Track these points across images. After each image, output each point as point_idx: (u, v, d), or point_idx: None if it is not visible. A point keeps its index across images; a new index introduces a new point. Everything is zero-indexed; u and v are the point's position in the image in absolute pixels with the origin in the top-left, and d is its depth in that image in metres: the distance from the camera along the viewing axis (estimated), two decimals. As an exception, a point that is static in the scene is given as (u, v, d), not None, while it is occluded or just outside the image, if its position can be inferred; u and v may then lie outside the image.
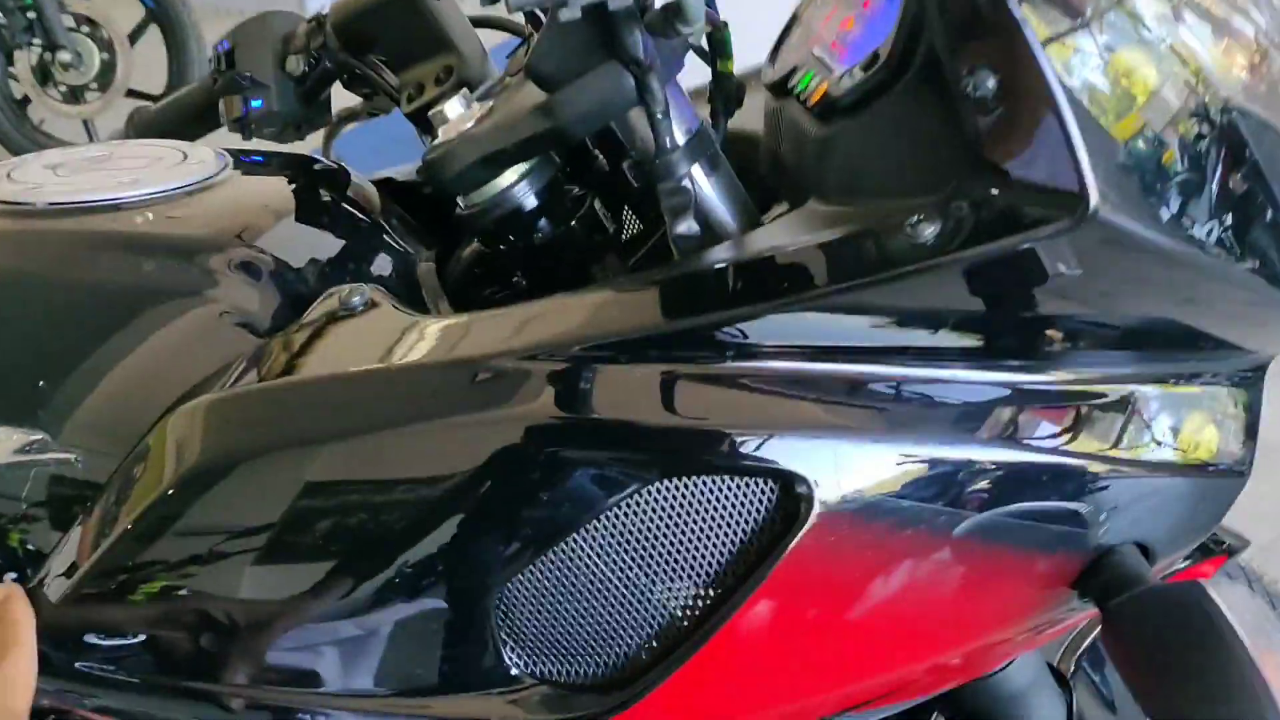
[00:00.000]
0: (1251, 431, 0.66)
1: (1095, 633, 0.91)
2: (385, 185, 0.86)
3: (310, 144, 0.95)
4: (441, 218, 0.84)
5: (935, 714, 0.86)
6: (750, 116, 0.76)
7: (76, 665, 0.57)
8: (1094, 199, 0.49)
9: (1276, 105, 0.61)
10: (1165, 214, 0.54)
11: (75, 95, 3.62)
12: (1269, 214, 0.60)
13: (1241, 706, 0.50)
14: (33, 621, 0.54)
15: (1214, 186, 0.58)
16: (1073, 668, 0.87)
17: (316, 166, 0.81)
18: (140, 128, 0.96)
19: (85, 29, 3.55)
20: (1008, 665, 0.77)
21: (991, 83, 0.50)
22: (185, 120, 0.95)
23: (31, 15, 3.47)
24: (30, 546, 0.59)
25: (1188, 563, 0.97)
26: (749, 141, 0.76)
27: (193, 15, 3.59)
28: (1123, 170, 0.52)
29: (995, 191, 0.51)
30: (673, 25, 0.56)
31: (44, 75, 3.61)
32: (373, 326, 0.59)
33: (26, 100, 3.71)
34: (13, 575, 0.59)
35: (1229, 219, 0.58)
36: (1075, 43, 0.53)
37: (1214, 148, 0.58)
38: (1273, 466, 2.11)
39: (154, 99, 3.85)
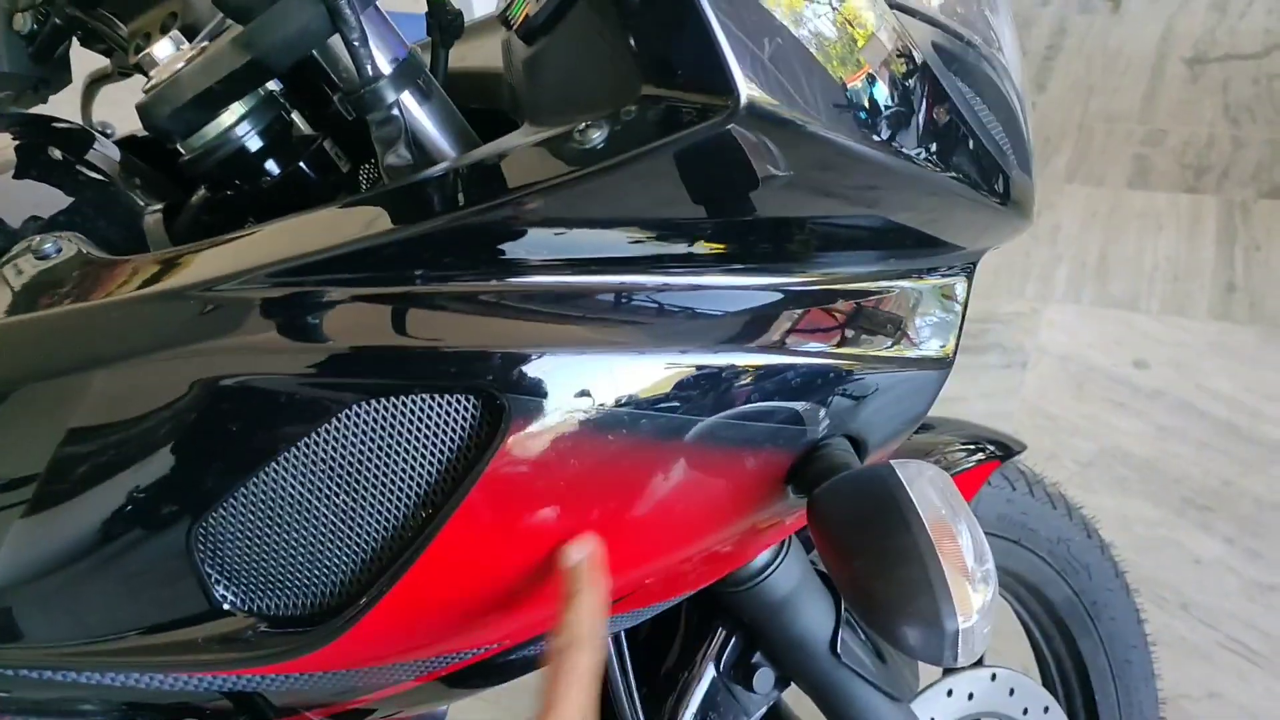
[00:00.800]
0: (957, 325, 0.69)
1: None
2: (128, 143, 0.83)
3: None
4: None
5: (719, 628, 0.88)
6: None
7: None
8: (744, 92, 0.51)
9: (952, 10, 0.64)
10: (877, 136, 0.57)
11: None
12: (969, 142, 0.64)
13: (908, 571, 0.53)
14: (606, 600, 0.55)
15: (920, 117, 0.61)
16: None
17: (53, 125, 0.79)
18: (-127, 98, 0.92)
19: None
20: (773, 571, 0.80)
21: None
22: (-81, 87, 0.91)
23: None
24: None
25: (964, 468, 1.02)
26: (494, 79, 0.76)
27: None
28: (835, 103, 0.55)
29: (662, 94, 0.53)
30: None
31: None
32: (67, 270, 0.58)
33: None
34: None
35: (934, 145, 0.61)
36: None
37: (918, 84, 0.61)
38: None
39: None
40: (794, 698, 0.96)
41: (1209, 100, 3.12)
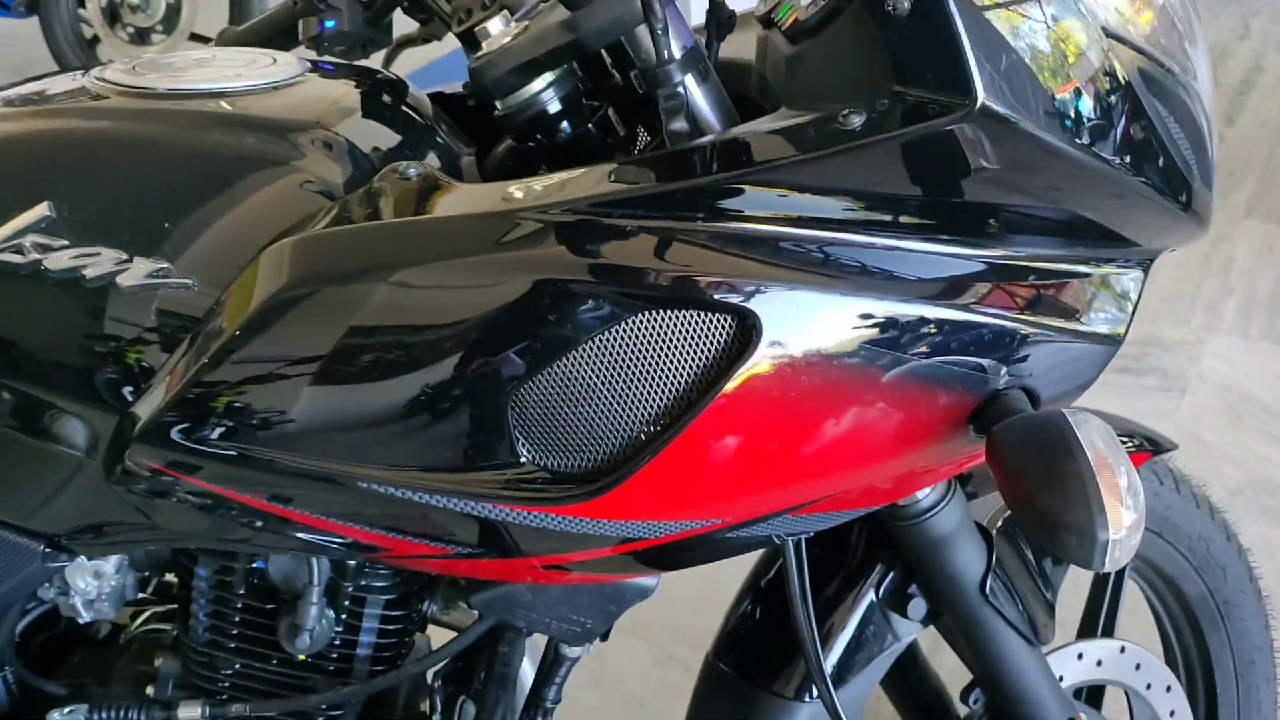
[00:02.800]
0: (1131, 310, 0.81)
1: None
2: (435, 97, 1.02)
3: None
4: (480, 125, 1.00)
5: (879, 563, 1.02)
6: (749, 50, 0.91)
7: (181, 441, 0.74)
8: (980, 95, 0.64)
9: (1157, 41, 0.76)
10: (1079, 140, 0.70)
11: (142, 37, 3.83)
12: (1160, 159, 0.76)
13: (1070, 488, 0.65)
14: None
15: (1118, 131, 0.73)
16: (1000, 525, 1.02)
17: (379, 76, 0.97)
18: (229, 41, 1.13)
19: (153, -27, 3.73)
20: (937, 511, 0.93)
21: (907, 4, 0.65)
22: (268, 37, 1.11)
23: (103, -42, 3.66)
24: (154, 355, 0.76)
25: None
26: (745, 69, 0.91)
27: (254, -38, 3.75)
28: (1012, 74, 0.67)
29: (911, 91, 0.67)
30: None
31: (113, 17, 3.82)
32: (423, 189, 0.75)
33: (96, 40, 3.92)
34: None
35: (1129, 156, 0.73)
36: (1024, 11, 0.69)
37: (1120, 102, 0.73)
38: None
39: (216, 40, 3.92)
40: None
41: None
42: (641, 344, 0.70)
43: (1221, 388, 2.31)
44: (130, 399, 0.76)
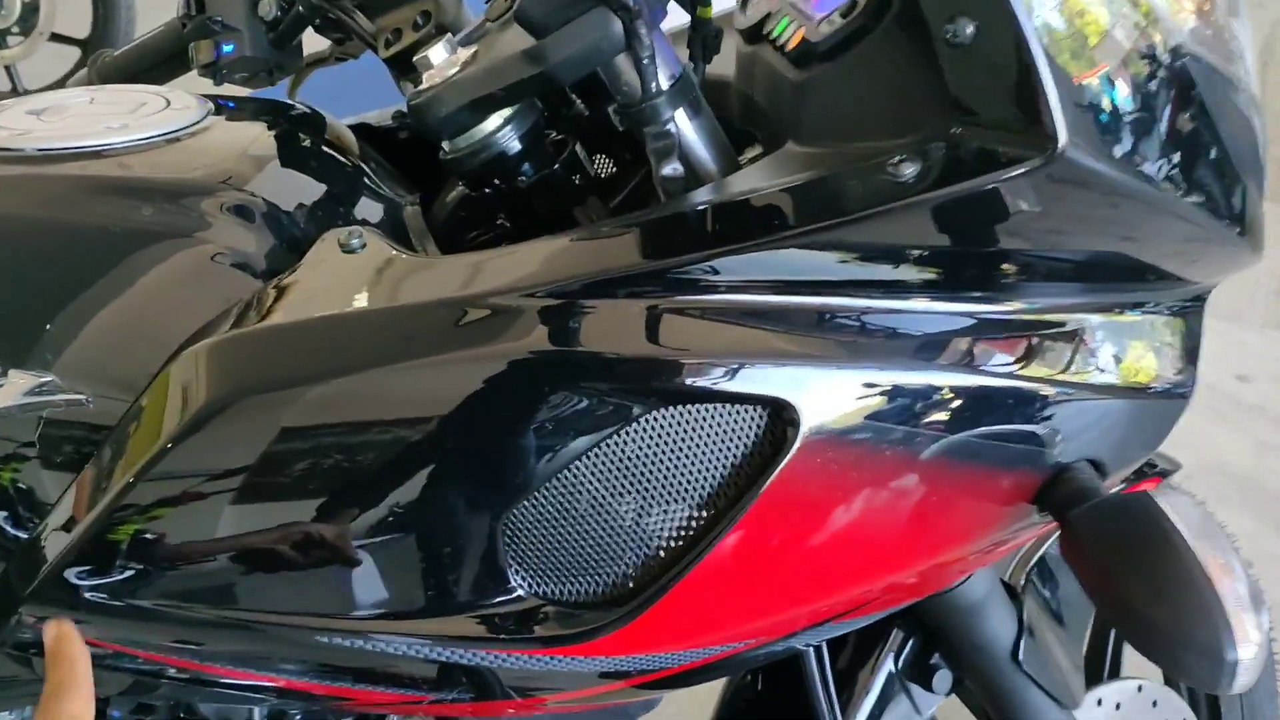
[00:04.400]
0: (1192, 356, 0.71)
1: (1044, 548, 0.97)
2: (360, 130, 0.87)
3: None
4: (417, 161, 0.85)
5: (894, 630, 0.91)
6: (717, 62, 0.78)
7: (88, 596, 0.59)
8: (1063, 139, 0.53)
9: (1221, 49, 0.65)
10: (1119, 151, 0.59)
11: (-4, 39, 3.51)
12: (1213, 152, 0.65)
13: (1186, 600, 0.55)
14: (89, 658, 0.56)
15: (1164, 126, 0.62)
16: (1023, 581, 0.93)
17: (294, 111, 0.82)
18: (105, 73, 0.96)
19: (5, -29, 3.43)
20: (965, 580, 0.83)
21: (970, 29, 0.53)
22: (152, 65, 0.95)
23: (-52, -43, 3.35)
24: (42, 487, 0.60)
25: (1123, 485, 1.04)
26: (717, 86, 0.78)
27: (117, -45, 3.48)
28: (1083, 110, 0.56)
29: (972, 132, 0.55)
30: None
31: (-38, 18, 3.49)
32: (373, 267, 0.61)
33: (-56, 45, 3.59)
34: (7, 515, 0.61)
35: (1177, 156, 0.62)
36: (1099, 33, 0.57)
37: (1164, 88, 0.62)
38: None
39: (79, 43, 3.70)
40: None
41: (1314, 110, 3.07)
42: (658, 448, 0.58)
43: (1163, 367, 2.28)
44: (14, 544, 0.61)
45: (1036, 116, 0.53)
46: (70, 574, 0.59)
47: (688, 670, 0.68)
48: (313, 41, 0.94)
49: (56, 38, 3.48)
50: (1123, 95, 0.59)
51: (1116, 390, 0.67)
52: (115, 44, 3.51)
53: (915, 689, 0.91)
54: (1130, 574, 0.58)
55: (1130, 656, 1.13)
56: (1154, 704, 1.10)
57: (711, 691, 1.01)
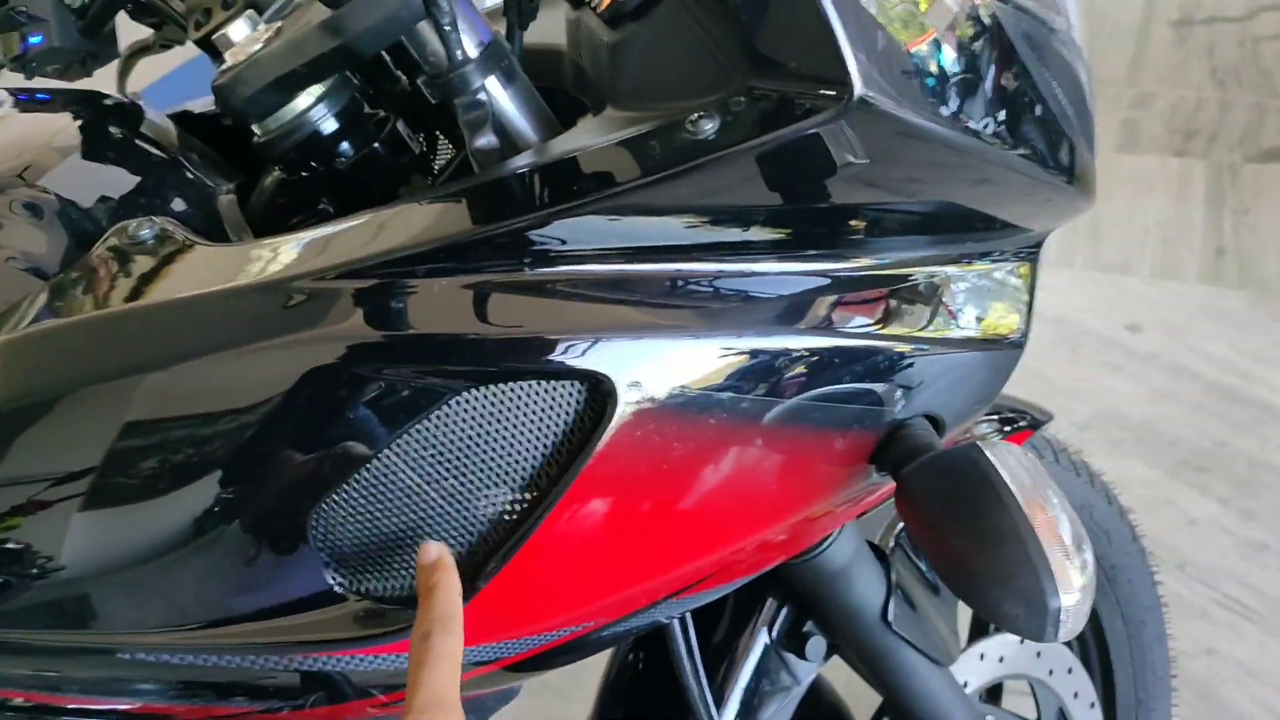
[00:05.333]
0: (1028, 305, 0.71)
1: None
2: (183, 118, 0.83)
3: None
4: (244, 148, 0.82)
5: (769, 598, 0.90)
6: (556, 33, 0.76)
7: None
8: (858, 86, 0.52)
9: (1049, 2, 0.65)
10: (944, 109, 0.58)
11: None
12: (1037, 105, 0.65)
13: (1008, 550, 0.55)
14: (460, 592, 0.53)
15: (986, 79, 0.61)
16: (892, 544, 0.92)
17: (106, 102, 0.78)
18: (-89, 71, 0.90)
19: None
20: (830, 544, 0.82)
21: None
22: (-40, 61, 0.89)
23: None
24: None
25: (997, 438, 1.04)
26: (554, 57, 0.76)
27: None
28: (901, 69, 0.55)
29: (770, 85, 0.53)
30: None
31: None
32: (166, 257, 0.58)
33: None
34: None
35: (1000, 111, 0.62)
36: None
37: (983, 42, 0.61)
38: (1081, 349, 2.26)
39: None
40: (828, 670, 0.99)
41: (1195, 63, 3.14)
42: (472, 429, 0.55)
43: (1056, 322, 2.31)
44: None
45: (830, 65, 0.52)
46: None
47: (545, 652, 0.66)
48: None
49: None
50: (946, 56, 0.59)
51: (958, 343, 0.67)
52: None
53: (790, 658, 0.90)
54: (956, 527, 0.57)
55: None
56: (1037, 655, 1.11)
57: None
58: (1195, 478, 1.99)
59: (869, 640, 0.87)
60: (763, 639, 0.90)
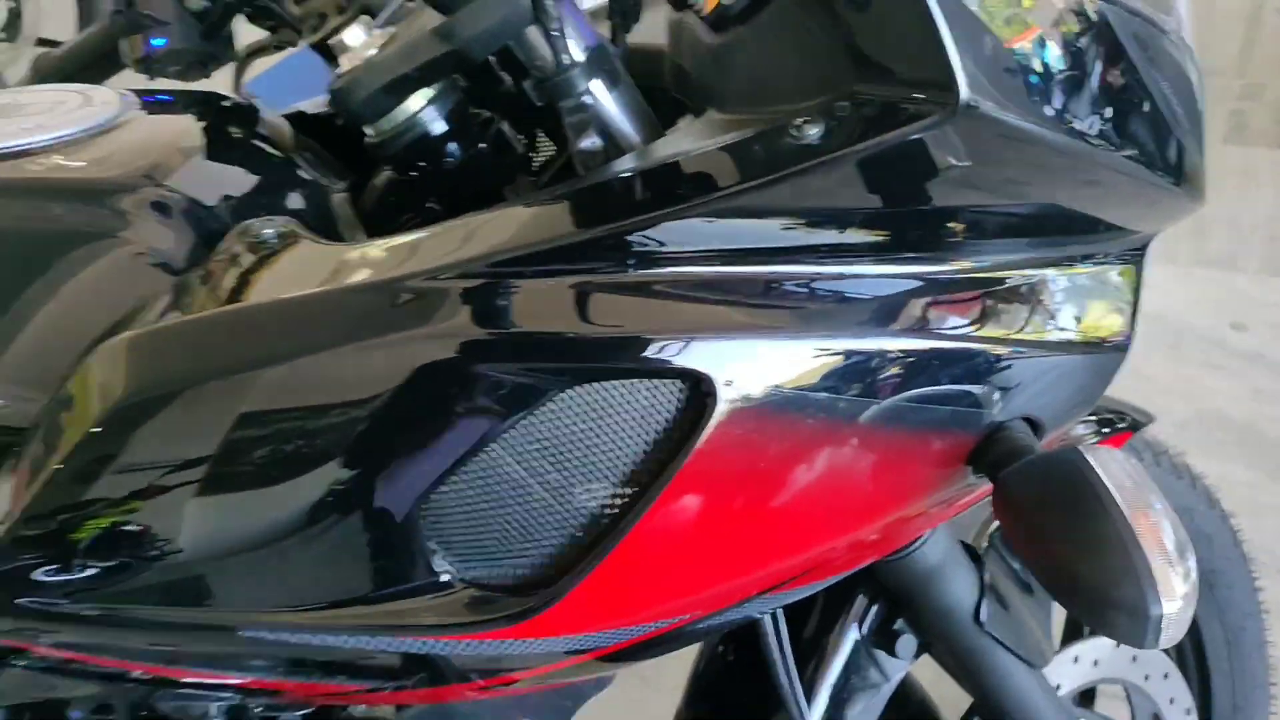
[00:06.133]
0: (1133, 308, 0.70)
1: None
2: (297, 119, 0.86)
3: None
4: (356, 148, 0.84)
5: (860, 595, 0.91)
6: (656, 32, 0.77)
7: (20, 602, 0.59)
8: (964, 91, 0.52)
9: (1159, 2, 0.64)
10: (1048, 109, 0.58)
11: (-19, 45, 3.51)
12: (1145, 105, 0.64)
13: (1110, 557, 0.55)
14: None
15: (1092, 81, 0.61)
16: (985, 544, 0.92)
17: (225, 104, 0.81)
18: (44, 73, 0.95)
19: (-12, -23, 3.43)
20: (922, 544, 0.82)
21: None
22: (89, 63, 0.94)
23: (-71, -36, 3.35)
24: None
25: (1095, 440, 1.03)
26: (654, 56, 0.77)
27: (97, -44, 3.47)
28: (1005, 68, 0.55)
29: (875, 90, 0.54)
30: None
31: (-53, 25, 3.49)
32: (288, 256, 0.61)
33: (-70, 52, 3.59)
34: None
35: (1108, 111, 0.61)
36: None
37: (1091, 43, 0.61)
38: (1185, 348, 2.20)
39: (63, 45, 3.65)
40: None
41: (1309, 52, 3.03)
42: (576, 425, 0.57)
43: (1158, 319, 2.26)
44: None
45: (936, 69, 0.52)
46: (10, 578, 0.59)
47: (639, 643, 0.67)
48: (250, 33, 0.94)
49: (44, 42, 3.48)
50: (1034, 49, 0.58)
51: (1058, 346, 0.66)
52: (100, 45, 3.51)
53: (880, 655, 0.90)
54: (1056, 532, 0.57)
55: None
56: (1133, 659, 1.09)
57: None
58: (1300, 481, 1.93)
59: (961, 640, 0.86)
60: (853, 635, 0.90)
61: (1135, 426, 1.05)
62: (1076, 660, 1.04)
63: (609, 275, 0.56)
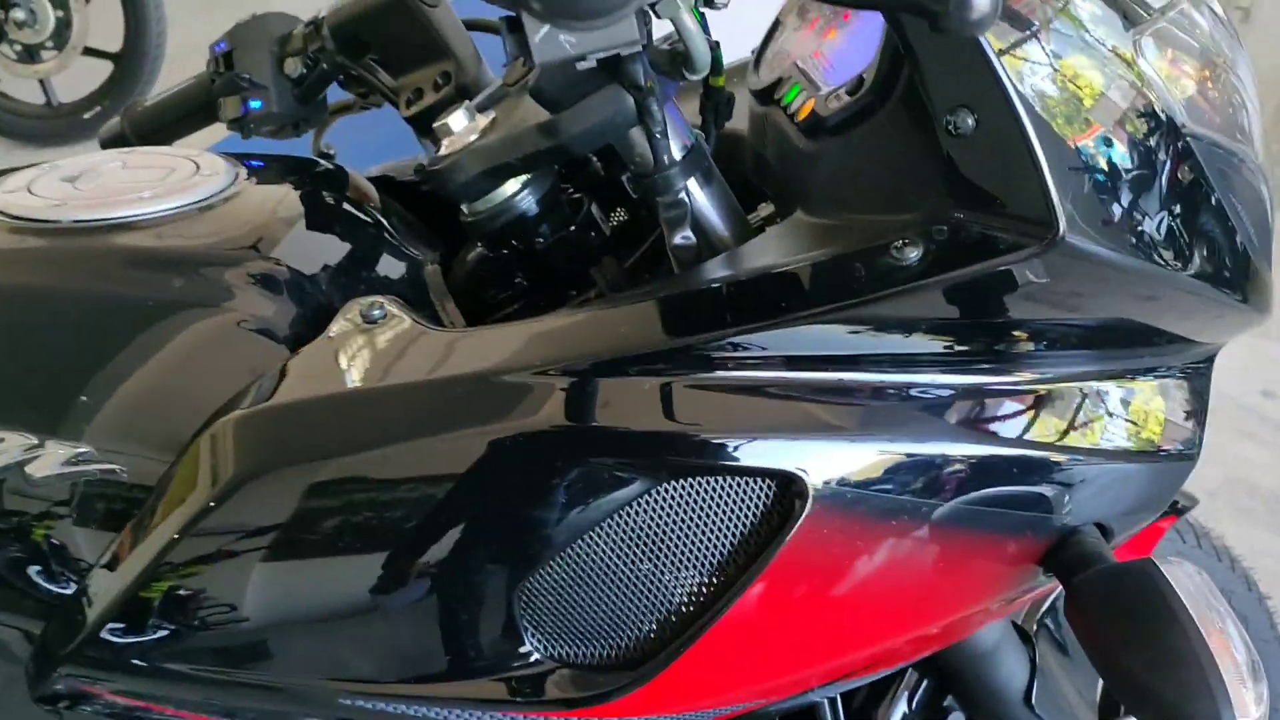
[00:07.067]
0: (1200, 417, 0.72)
1: (1056, 592, 0.97)
2: (383, 183, 0.89)
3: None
4: (440, 214, 0.87)
5: (910, 672, 0.92)
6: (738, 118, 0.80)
7: (132, 661, 0.61)
8: (1062, 226, 0.54)
9: (1224, 124, 0.66)
10: (1122, 234, 0.60)
11: (30, 54, 3.56)
12: (1216, 227, 0.66)
13: (1186, 674, 0.57)
14: None
15: (1165, 207, 0.63)
16: (1035, 625, 0.94)
17: (318, 169, 0.84)
18: (137, 124, 0.99)
19: (39, -14, 3.48)
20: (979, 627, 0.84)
21: (970, 121, 0.54)
22: (182, 117, 0.97)
23: (-18, -27, 3.41)
24: (77, 547, 0.63)
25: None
26: (731, 140, 0.80)
27: (149, -29, 3.52)
28: (1084, 199, 0.57)
29: (974, 217, 0.56)
30: (678, 69, 0.60)
31: (-1, 33, 3.54)
32: (394, 338, 0.63)
33: (-20, 59, 3.64)
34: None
35: (1180, 233, 0.63)
36: (1025, 52, 0.58)
37: (1165, 169, 0.63)
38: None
39: (111, 56, 3.71)
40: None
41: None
42: (668, 518, 0.59)
43: (1189, 382, 2.27)
44: (53, 606, 0.64)
45: (1036, 205, 0.54)
46: (108, 633, 0.61)
47: None
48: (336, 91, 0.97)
49: (90, 52, 3.53)
50: (1125, 181, 0.61)
51: (1125, 455, 0.68)
52: (147, 56, 3.56)
53: (929, 731, 0.92)
54: (1132, 643, 0.59)
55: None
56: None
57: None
58: (1329, 553, 1.93)
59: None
60: (901, 709, 0.92)
61: (1180, 511, 1.06)
62: (1116, 739, 1.05)
63: (707, 376, 0.59)
